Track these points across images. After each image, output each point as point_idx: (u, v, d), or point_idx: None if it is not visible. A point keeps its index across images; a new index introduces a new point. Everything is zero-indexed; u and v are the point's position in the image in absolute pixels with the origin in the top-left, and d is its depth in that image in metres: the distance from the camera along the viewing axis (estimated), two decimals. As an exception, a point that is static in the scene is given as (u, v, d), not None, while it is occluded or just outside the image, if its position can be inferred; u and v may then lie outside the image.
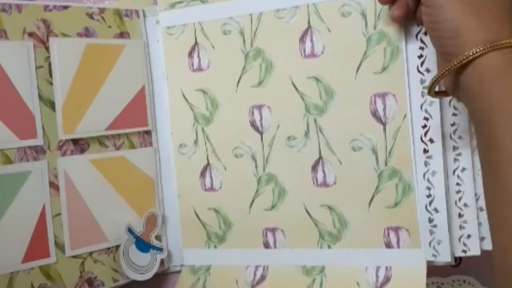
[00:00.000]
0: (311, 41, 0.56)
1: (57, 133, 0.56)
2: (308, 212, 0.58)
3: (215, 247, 0.62)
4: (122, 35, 0.61)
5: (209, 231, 0.62)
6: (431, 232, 0.53)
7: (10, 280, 0.53)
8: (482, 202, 0.52)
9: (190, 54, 0.61)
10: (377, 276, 0.55)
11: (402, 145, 0.53)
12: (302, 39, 0.57)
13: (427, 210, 0.53)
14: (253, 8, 0.58)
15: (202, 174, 0.62)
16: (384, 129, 0.54)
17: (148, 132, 0.63)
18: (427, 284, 0.53)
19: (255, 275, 0.59)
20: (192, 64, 0.61)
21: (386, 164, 0.54)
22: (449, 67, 0.42)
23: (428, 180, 0.53)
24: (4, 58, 0.53)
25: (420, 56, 0.52)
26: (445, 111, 0.52)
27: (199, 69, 0.61)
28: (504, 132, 0.39)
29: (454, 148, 0.53)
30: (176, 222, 0.63)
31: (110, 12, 0.60)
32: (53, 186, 0.56)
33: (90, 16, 0.59)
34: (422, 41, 0.52)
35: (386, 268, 0.55)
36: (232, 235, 0.61)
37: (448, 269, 0.59)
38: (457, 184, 0.53)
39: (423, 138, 0.53)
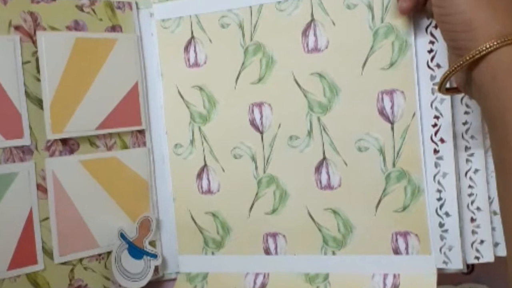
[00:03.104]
0: (315, 35, 0.56)
1: (45, 132, 0.56)
2: (311, 216, 0.58)
3: (213, 253, 0.62)
4: (114, 28, 0.61)
5: (206, 236, 0.62)
6: (442, 238, 0.53)
7: (-5, 288, 0.53)
8: (496, 206, 0.52)
9: (186, 49, 0.61)
10: (384, 284, 0.55)
11: (411, 145, 0.54)
12: (305, 32, 0.57)
13: (437, 214, 0.53)
14: (253, 0, 0.58)
15: (199, 176, 0.62)
16: (392, 128, 0.54)
17: (141, 132, 0.63)
18: (438, 293, 0.53)
19: (255, 283, 0.59)
20: (188, 59, 0.61)
21: (394, 165, 0.54)
22: (461, 62, 0.42)
23: (439, 182, 0.53)
24: (-12, 53, 0.53)
25: (430, 51, 0.52)
26: (457, 109, 0.53)
27: (196, 64, 0.61)
28: (519, 131, 0.39)
29: (466, 148, 0.53)
30: (171, 226, 0.63)
31: (101, 4, 0.60)
32: (41, 188, 0.56)
33: (80, 8, 0.59)
34: (432, 35, 0.52)
35: (394, 275, 0.55)
36: (231, 241, 0.61)
37: (459, 276, 0.59)
38: (470, 186, 0.53)
39: (433, 137, 0.53)
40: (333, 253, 0.57)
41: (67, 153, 0.58)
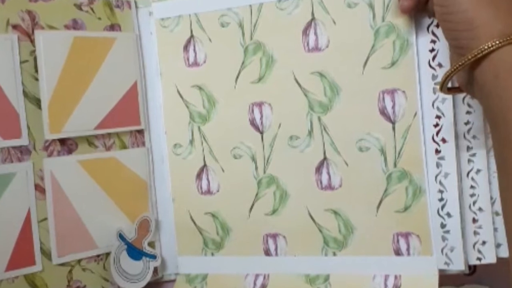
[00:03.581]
0: (315, 34, 0.56)
1: (43, 132, 0.56)
2: (311, 217, 0.58)
3: (212, 254, 0.62)
4: (113, 27, 0.61)
5: (206, 237, 0.62)
6: (444, 239, 0.53)
7: (-7, 289, 0.53)
8: (498, 206, 0.52)
9: (186, 48, 0.61)
10: (385, 285, 0.55)
11: (413, 145, 0.53)
12: (305, 31, 0.57)
13: (439, 214, 0.53)
14: (253, -2, 0.59)
15: (199, 176, 0.62)
16: (393, 128, 0.54)
17: (140, 131, 0.63)
18: (439, 294, 0.53)
19: (255, 284, 0.59)
20: (188, 59, 0.61)
21: (395, 165, 0.54)
22: (463, 61, 0.42)
23: (440, 183, 0.53)
24: (-14, 52, 0.53)
25: (432, 50, 0.52)
26: (459, 109, 0.52)
27: (195, 63, 0.61)
28: (521, 131, 0.39)
29: (468, 148, 0.53)
30: (171, 227, 0.63)
31: (99, 3, 0.60)
32: (39, 189, 0.56)
33: (79, 7, 0.59)
34: (433, 34, 0.52)
35: (395, 276, 0.55)
36: (231, 242, 0.61)
37: (461, 278, 0.59)
38: (471, 187, 0.53)
39: (435, 137, 0.53)
40: (334, 254, 0.57)
41: (65, 153, 0.58)
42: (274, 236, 0.59)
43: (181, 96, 0.62)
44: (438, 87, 0.49)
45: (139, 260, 0.61)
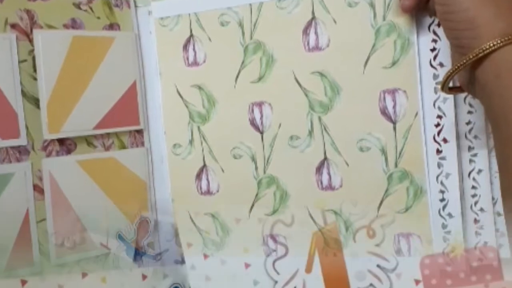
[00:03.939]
0: (316, 33, 0.56)
1: (41, 132, 0.56)
2: (312, 218, 0.57)
3: (212, 255, 0.62)
4: (112, 26, 0.61)
5: (206, 237, 0.62)
6: (445, 239, 0.53)
7: (-9, 290, 0.53)
8: (499, 207, 0.52)
9: (185, 47, 0.61)
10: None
11: (414, 145, 0.53)
12: (305, 31, 0.57)
13: (440, 215, 0.53)
14: (253, -3, 0.59)
15: (198, 176, 0.62)
16: (394, 128, 0.54)
17: (139, 131, 0.63)
18: (441, 295, 0.53)
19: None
20: (187, 58, 0.61)
21: (396, 165, 0.54)
22: (464, 61, 0.42)
23: (442, 183, 0.53)
24: (-16, 52, 0.53)
25: (433, 49, 0.52)
26: (460, 109, 0.52)
27: (195, 63, 0.61)
28: (523, 130, 0.39)
29: (470, 148, 0.53)
30: (170, 228, 0.63)
31: (98, 2, 0.60)
32: (38, 189, 0.56)
33: (77, 6, 0.59)
34: (435, 33, 0.52)
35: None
36: (231, 242, 0.61)
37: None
38: (473, 187, 0.53)
39: (436, 137, 0.53)
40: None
41: (64, 153, 0.58)
42: (274, 237, 0.59)
43: (180, 96, 0.62)
44: (439, 86, 0.49)
45: (138, 260, 0.61)
